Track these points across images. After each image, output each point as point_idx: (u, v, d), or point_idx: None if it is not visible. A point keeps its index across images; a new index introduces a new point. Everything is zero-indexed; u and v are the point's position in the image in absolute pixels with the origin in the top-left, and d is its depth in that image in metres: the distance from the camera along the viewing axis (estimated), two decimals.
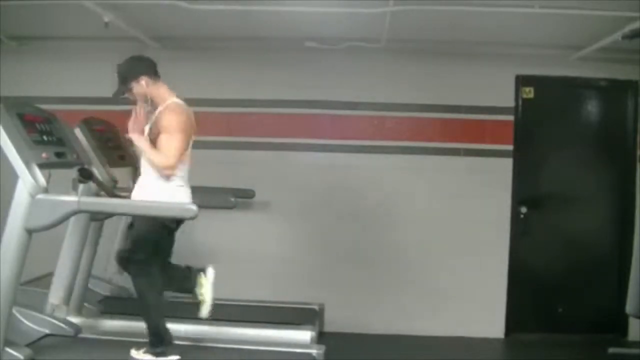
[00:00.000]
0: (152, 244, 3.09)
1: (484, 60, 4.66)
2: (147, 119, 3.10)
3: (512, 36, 4.31)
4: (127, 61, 3.16)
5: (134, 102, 3.14)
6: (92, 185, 3.30)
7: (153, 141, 3.03)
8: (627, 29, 3.56)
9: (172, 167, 2.97)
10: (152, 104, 3.11)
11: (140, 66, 3.12)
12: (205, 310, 3.25)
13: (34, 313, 3.41)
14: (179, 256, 4.63)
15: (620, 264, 4.45)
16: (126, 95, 3.17)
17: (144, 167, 3.10)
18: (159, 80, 3.14)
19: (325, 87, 4.76)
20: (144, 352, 3.13)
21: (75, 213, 2.81)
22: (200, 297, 3.24)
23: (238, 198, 4.39)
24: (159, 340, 3.13)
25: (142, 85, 3.09)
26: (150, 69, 3.13)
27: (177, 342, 3.25)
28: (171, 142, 2.96)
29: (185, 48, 4.72)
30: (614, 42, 3.84)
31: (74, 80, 4.68)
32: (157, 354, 3.11)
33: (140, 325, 3.24)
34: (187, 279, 3.27)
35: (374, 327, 4.67)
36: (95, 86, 4.67)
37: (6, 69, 4.42)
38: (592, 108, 4.81)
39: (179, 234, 3.24)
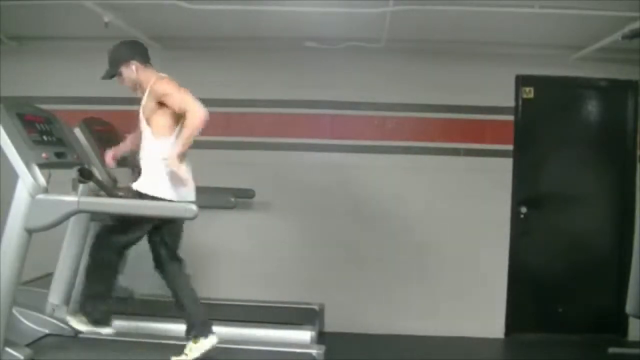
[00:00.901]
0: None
1: (484, 60, 4.66)
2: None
3: (512, 36, 4.31)
4: (119, 44, 3.13)
5: (125, 85, 3.14)
6: (92, 185, 3.30)
7: (149, 119, 3.01)
8: (627, 29, 3.57)
9: (204, 114, 2.87)
10: (141, 89, 3.10)
11: (131, 50, 3.11)
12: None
13: (34, 313, 3.40)
14: None
15: (620, 264, 4.46)
16: (116, 79, 3.15)
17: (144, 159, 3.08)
18: (149, 66, 3.13)
19: (325, 87, 4.76)
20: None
21: (75, 213, 2.81)
22: (185, 353, 3.08)
23: (238, 198, 4.39)
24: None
25: (132, 70, 3.08)
26: (142, 54, 3.12)
27: (176, 342, 3.25)
28: (181, 96, 2.91)
29: (185, 48, 4.72)
30: (614, 42, 3.84)
31: (74, 80, 4.68)
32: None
33: (138, 325, 3.25)
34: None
35: (374, 327, 4.66)
36: (95, 86, 4.64)
37: (6, 69, 4.42)
38: (592, 108, 4.81)
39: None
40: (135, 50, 3.12)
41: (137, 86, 3.12)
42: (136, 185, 3.05)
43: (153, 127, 3.02)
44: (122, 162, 3.82)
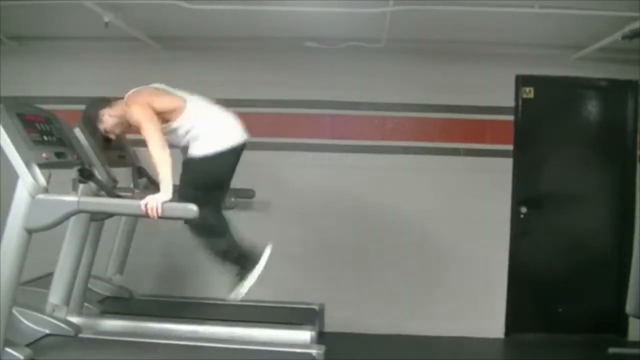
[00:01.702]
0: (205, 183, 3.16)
1: (484, 60, 4.66)
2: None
3: (512, 36, 4.31)
4: (83, 113, 3.25)
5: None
6: (92, 185, 3.30)
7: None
8: (627, 29, 3.57)
9: (163, 147, 2.91)
10: (128, 123, 3.13)
11: (92, 107, 3.19)
12: (236, 292, 3.25)
13: (34, 313, 3.40)
14: (178, 256, 4.64)
15: (620, 264, 4.46)
16: (110, 136, 3.25)
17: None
18: (115, 103, 3.16)
19: (325, 87, 4.76)
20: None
21: (75, 213, 2.81)
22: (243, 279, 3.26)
23: (238, 198, 4.39)
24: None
25: (107, 119, 3.14)
26: (101, 103, 3.18)
27: (176, 342, 3.25)
28: (145, 134, 2.95)
29: (185, 48, 4.71)
30: (614, 42, 3.84)
31: (74, 80, 4.68)
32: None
33: (138, 325, 3.24)
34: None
35: (374, 327, 4.66)
36: (95, 86, 4.66)
37: (6, 69, 4.42)
38: (592, 108, 4.81)
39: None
40: (95, 105, 3.19)
41: (123, 124, 3.15)
42: (189, 156, 3.14)
43: (158, 134, 2.99)
44: (121, 162, 3.83)
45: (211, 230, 3.22)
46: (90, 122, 3.22)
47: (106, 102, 3.20)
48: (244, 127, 3.27)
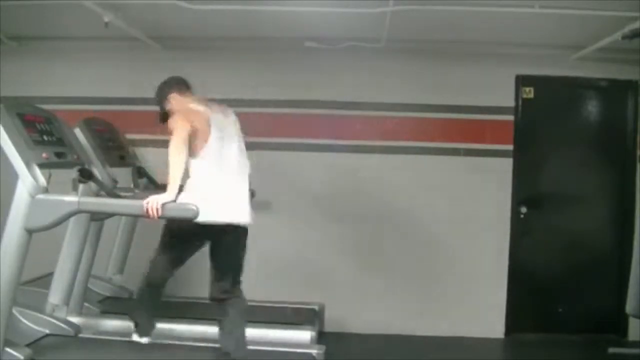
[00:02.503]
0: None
1: (484, 60, 4.66)
2: None
3: (512, 36, 4.32)
4: (160, 84, 3.19)
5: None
6: (92, 185, 3.30)
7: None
8: (627, 29, 3.57)
9: (180, 152, 2.81)
10: None
11: (166, 85, 3.15)
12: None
13: (34, 313, 3.41)
14: None
15: (620, 264, 4.45)
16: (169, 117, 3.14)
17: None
18: (189, 94, 3.14)
19: (325, 87, 4.76)
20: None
21: (75, 213, 2.81)
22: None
23: None
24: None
25: (172, 104, 3.09)
26: (177, 86, 3.15)
27: (176, 342, 3.25)
28: (172, 138, 2.87)
29: (185, 48, 4.71)
30: (614, 42, 3.84)
31: (74, 80, 4.68)
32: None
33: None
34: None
35: (374, 327, 4.66)
36: (95, 86, 4.68)
37: (6, 69, 4.42)
38: (592, 108, 4.81)
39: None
40: (170, 84, 3.16)
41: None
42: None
43: (181, 141, 2.87)
44: (122, 162, 3.83)
45: (160, 277, 3.24)
46: (158, 94, 3.15)
47: (183, 85, 3.16)
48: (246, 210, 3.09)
